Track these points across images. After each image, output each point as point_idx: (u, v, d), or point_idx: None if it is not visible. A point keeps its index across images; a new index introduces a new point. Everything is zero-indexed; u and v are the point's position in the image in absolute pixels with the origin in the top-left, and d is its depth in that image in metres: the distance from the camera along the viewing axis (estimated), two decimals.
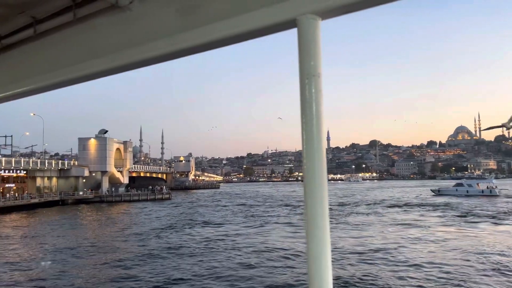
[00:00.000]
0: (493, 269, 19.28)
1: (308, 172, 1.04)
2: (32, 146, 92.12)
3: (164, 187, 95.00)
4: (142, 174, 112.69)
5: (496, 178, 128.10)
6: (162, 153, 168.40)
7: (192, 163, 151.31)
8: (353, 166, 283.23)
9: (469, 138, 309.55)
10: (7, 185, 67.23)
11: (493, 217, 40.06)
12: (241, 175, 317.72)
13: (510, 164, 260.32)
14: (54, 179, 76.88)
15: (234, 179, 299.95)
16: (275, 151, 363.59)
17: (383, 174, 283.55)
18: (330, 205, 54.22)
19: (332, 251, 1.10)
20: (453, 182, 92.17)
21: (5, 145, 74.67)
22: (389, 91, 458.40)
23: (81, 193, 75.46)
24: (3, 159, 66.17)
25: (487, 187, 75.46)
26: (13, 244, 29.41)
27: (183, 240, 29.77)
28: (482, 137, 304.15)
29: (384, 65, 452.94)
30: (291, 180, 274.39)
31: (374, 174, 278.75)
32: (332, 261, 1.09)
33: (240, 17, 1.24)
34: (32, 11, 1.75)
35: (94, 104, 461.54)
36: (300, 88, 1.08)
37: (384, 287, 16.80)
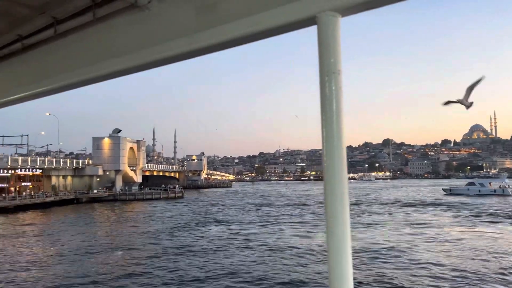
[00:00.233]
0: (503, 270, 18.95)
1: (328, 169, 1.03)
2: (47, 145, 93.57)
3: (177, 186, 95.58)
4: (155, 173, 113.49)
5: (509, 177, 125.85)
6: (175, 152, 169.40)
7: (205, 162, 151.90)
8: (366, 165, 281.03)
9: (484, 136, 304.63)
10: (23, 184, 68.42)
11: (509, 217, 39.40)
12: (253, 174, 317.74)
13: None
14: (69, 178, 77.94)
15: (246, 178, 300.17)
16: (287, 150, 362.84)
17: (397, 173, 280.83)
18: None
19: None
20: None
21: (22, 144, 76.03)
22: (402, 89, 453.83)
23: (95, 191, 76.38)
24: (20, 158, 67.33)
25: (499, 187, 74.35)
26: (32, 242, 29.91)
27: (196, 238, 29.91)
28: (498, 135, 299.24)
29: (396, 62, 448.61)
30: (303, 179, 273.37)
31: (387, 173, 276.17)
32: None
33: (259, 15, 1.24)
34: (53, 11, 1.76)
35: (108, 104, 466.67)
36: (320, 85, 1.07)
37: (398, 286, 16.66)
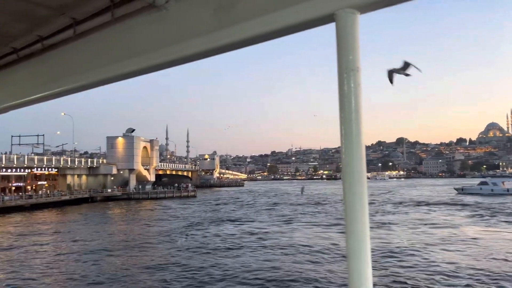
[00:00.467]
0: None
1: (347, 167, 1.02)
2: (62, 144, 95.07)
3: (190, 185, 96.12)
4: (168, 172, 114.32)
5: None
6: (188, 151, 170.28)
7: (217, 161, 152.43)
8: (380, 164, 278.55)
9: (501, 135, 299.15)
10: (39, 183, 69.61)
11: None
12: (265, 173, 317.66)
13: None
14: (84, 177, 78.98)
15: (258, 177, 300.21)
16: (299, 149, 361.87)
17: (411, 172, 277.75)
18: None
19: None
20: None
21: (38, 144, 77.31)
22: (416, 87, 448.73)
23: (109, 190, 77.26)
24: (36, 157, 68.52)
25: None
26: (49, 240, 30.40)
27: (210, 237, 30.03)
28: None
29: (412, 60, 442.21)
30: (316, 179, 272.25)
31: (401, 172, 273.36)
32: None
33: (277, 13, 1.23)
34: (72, 12, 1.77)
35: (121, 104, 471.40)
36: (339, 82, 1.06)
37: (414, 286, 16.49)
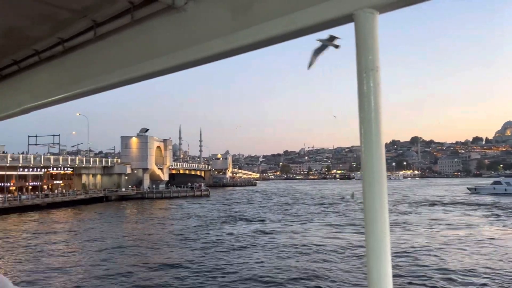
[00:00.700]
0: None
1: (366, 166, 1.03)
2: (77, 144, 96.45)
3: (203, 184, 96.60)
4: (181, 172, 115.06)
5: None
6: (201, 151, 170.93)
7: (230, 161, 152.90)
8: (394, 164, 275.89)
9: None
10: (55, 182, 70.73)
11: None
12: (278, 173, 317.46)
13: None
14: (99, 176, 79.98)
15: (270, 177, 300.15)
16: (312, 148, 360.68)
17: (425, 171, 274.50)
18: None
19: None
20: None
21: (53, 144, 78.65)
22: (430, 85, 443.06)
23: (123, 189, 78.11)
24: (52, 157, 69.69)
25: None
26: (65, 238, 30.88)
27: (224, 236, 30.10)
28: None
29: (425, 59, 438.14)
30: (329, 178, 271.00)
31: (416, 172, 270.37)
32: None
33: (295, 14, 1.23)
34: (93, 15, 1.80)
35: (135, 104, 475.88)
36: (358, 82, 1.06)
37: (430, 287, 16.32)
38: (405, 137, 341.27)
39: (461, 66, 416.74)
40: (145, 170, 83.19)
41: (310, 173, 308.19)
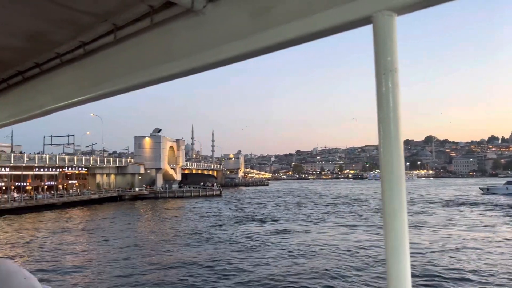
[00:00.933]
0: None
1: (385, 166, 1.05)
2: (92, 144, 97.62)
3: (215, 184, 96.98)
4: (194, 171, 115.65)
5: None
6: (213, 151, 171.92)
7: (242, 161, 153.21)
8: (407, 163, 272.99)
9: None
10: (70, 182, 71.77)
11: None
12: (290, 172, 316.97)
13: None
14: (112, 176, 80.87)
15: (282, 177, 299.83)
16: (324, 148, 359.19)
17: (440, 171, 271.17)
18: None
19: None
20: None
21: (68, 144, 79.77)
22: (445, 84, 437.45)
23: (137, 189, 78.86)
24: (67, 157, 70.73)
25: None
26: (81, 237, 31.33)
27: (237, 235, 30.16)
28: None
29: (439, 57, 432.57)
30: (342, 178, 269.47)
31: (430, 172, 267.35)
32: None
33: (313, 17, 1.24)
34: (114, 19, 1.83)
35: (148, 104, 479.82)
36: (377, 83, 1.08)
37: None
38: (419, 137, 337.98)
39: (476, 66, 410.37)
40: (158, 170, 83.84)
41: (323, 173, 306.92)
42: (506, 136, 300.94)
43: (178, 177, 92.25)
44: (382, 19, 1.08)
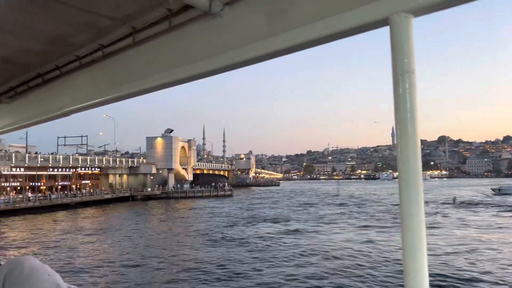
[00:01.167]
0: None
1: (403, 166, 1.05)
2: (104, 145, 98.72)
3: (226, 184, 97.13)
4: (205, 172, 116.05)
5: None
6: (224, 151, 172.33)
7: (253, 161, 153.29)
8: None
9: None
10: (83, 182, 72.60)
11: None
12: (301, 173, 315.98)
13: None
14: (125, 176, 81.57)
15: (293, 177, 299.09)
16: (336, 148, 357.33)
17: (453, 171, 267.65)
18: (394, 204, 52.50)
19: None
20: None
21: (81, 144, 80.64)
22: (458, 83, 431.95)
23: (149, 189, 79.45)
24: (80, 157, 71.57)
25: None
26: (95, 236, 31.68)
27: (249, 235, 30.17)
28: None
29: (452, 56, 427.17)
30: (354, 178, 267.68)
31: (443, 172, 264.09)
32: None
33: (330, 19, 1.24)
34: (133, 22, 1.88)
35: (160, 105, 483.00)
36: (394, 84, 1.09)
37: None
38: (432, 136, 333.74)
39: (490, 65, 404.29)
40: (170, 170, 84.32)
41: (334, 173, 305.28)
42: None
43: (189, 177, 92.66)
44: (399, 21, 1.09)
